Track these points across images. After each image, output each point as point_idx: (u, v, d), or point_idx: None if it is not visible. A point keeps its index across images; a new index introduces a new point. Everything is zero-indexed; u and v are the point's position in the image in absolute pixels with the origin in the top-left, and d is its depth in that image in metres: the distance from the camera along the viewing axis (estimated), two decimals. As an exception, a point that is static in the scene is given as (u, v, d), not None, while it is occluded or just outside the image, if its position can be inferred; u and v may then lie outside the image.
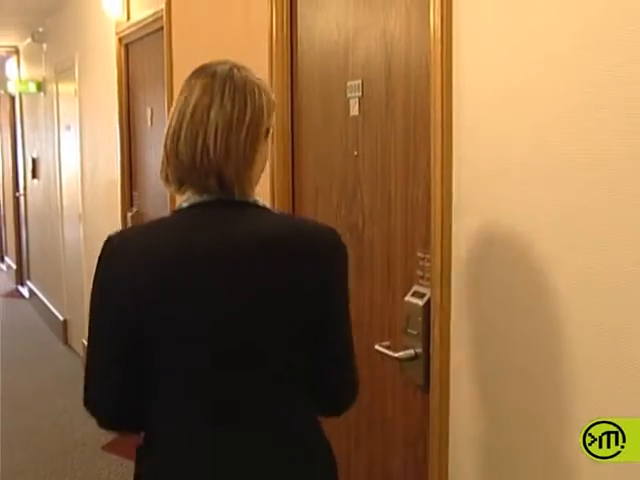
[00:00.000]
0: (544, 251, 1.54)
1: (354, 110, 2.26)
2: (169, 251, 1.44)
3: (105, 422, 1.56)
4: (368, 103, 2.20)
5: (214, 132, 1.43)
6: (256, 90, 1.47)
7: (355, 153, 2.27)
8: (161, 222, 1.55)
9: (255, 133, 1.46)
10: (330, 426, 2.51)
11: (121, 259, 1.45)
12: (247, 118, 1.45)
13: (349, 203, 2.33)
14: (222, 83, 1.46)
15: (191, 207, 1.48)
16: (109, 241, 1.47)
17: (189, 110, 1.44)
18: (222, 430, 1.45)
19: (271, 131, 1.53)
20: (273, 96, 1.54)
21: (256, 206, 1.51)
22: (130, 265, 1.44)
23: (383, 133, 2.14)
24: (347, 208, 2.34)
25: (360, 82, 2.22)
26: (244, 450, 1.45)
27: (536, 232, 1.56)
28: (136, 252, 1.45)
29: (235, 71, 1.49)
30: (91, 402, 1.52)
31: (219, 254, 1.44)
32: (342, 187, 2.36)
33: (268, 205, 1.56)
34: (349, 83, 2.28)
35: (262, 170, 1.56)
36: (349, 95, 2.28)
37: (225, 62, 1.51)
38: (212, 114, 1.43)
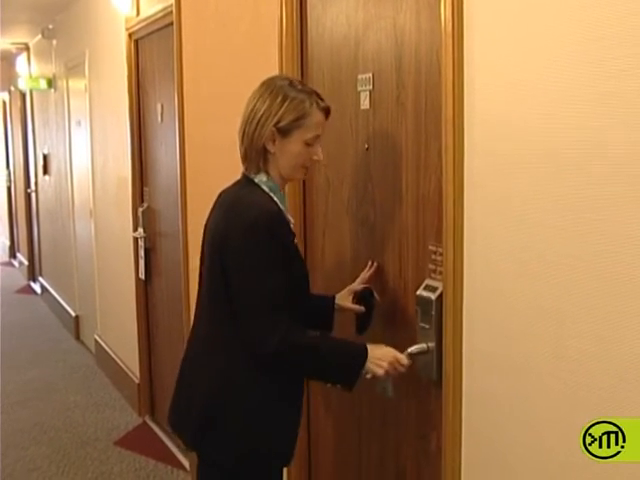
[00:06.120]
0: (558, 244, 1.53)
1: (365, 103, 2.25)
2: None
3: None
4: (379, 96, 2.19)
5: (239, 125, 2.02)
6: (280, 96, 1.94)
7: (366, 146, 2.26)
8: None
9: (262, 128, 1.95)
10: (342, 418, 2.51)
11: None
12: (258, 115, 1.95)
13: (360, 196, 2.32)
14: (257, 89, 2.00)
15: None
16: None
17: None
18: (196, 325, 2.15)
19: (297, 133, 1.95)
20: (308, 104, 1.95)
21: (253, 183, 2.00)
22: None
23: (394, 126, 2.13)
24: (358, 202, 2.33)
25: (371, 75, 2.21)
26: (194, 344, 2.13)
27: (549, 224, 1.55)
28: None
29: (277, 80, 2.01)
30: None
31: (216, 209, 2.09)
32: (353, 181, 2.35)
33: (264, 185, 1.99)
34: (360, 76, 2.27)
35: (290, 165, 1.99)
36: (360, 88, 2.27)
37: (285, 77, 2.11)
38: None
